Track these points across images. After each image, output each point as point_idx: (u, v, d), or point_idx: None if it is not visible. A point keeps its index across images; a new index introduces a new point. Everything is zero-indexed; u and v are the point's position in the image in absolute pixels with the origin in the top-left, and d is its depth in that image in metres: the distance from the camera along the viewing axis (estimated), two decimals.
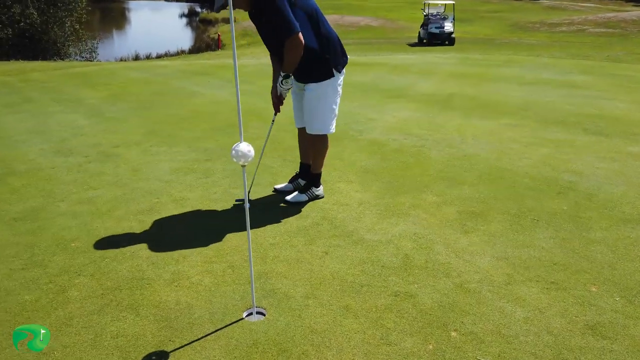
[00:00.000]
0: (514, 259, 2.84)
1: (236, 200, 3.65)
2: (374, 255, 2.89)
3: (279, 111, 3.45)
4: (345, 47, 3.44)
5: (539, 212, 3.44)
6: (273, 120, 3.53)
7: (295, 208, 3.53)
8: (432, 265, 2.78)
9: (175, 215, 3.45)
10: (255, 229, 3.22)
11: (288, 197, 3.60)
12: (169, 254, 2.91)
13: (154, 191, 3.87)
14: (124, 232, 3.19)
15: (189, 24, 49.85)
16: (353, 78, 10.12)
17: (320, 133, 3.45)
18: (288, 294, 2.52)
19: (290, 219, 3.38)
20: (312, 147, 3.56)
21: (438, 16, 27.09)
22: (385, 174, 4.23)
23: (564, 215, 3.39)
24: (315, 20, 3.15)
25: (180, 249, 2.97)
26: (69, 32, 22.84)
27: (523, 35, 30.66)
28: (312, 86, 3.30)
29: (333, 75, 3.28)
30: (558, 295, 2.50)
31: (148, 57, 25.15)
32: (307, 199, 3.59)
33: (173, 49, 27.31)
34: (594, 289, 2.55)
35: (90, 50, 24.12)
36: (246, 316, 2.35)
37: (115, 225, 3.28)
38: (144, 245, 3.01)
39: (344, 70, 3.39)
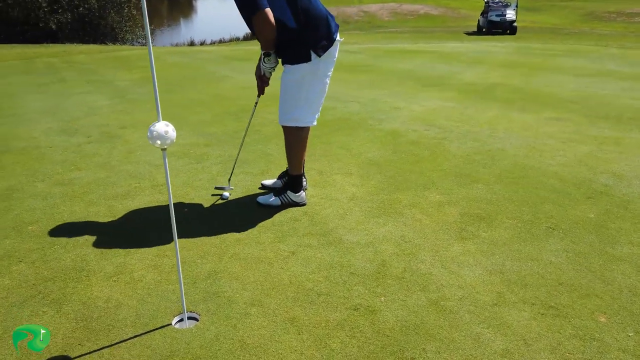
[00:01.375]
0: (511, 274, 2.37)
1: (215, 188, 3.38)
2: (345, 259, 2.51)
3: (263, 93, 3.12)
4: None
5: (558, 219, 2.92)
6: (256, 103, 3.22)
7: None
8: (409, 276, 2.37)
9: (149, 201, 3.21)
10: (225, 221, 2.93)
11: (259, 198, 3.18)
12: (122, 244, 2.66)
13: (138, 175, 3.66)
14: (88, 217, 2.99)
15: None
16: (394, 65, 9.62)
17: (289, 125, 2.97)
18: (232, 299, 2.20)
19: (268, 212, 3.05)
20: (285, 141, 3.06)
21: (500, 3, 25.62)
22: (390, 167, 3.80)
23: (588, 225, 2.85)
24: None
25: (136, 239, 2.72)
26: (126, 18, 23.47)
27: (597, 26, 28.49)
28: (287, 68, 2.88)
29: (310, 59, 2.80)
30: (554, 323, 2.03)
31: (202, 44, 25.53)
32: (279, 203, 3.11)
33: (227, 36, 27.59)
34: (602, 319, 2.05)
35: (146, 36, 24.60)
36: (176, 322, 2.07)
37: (82, 209, 3.09)
38: (101, 233, 2.79)
39: (329, 57, 2.87)
